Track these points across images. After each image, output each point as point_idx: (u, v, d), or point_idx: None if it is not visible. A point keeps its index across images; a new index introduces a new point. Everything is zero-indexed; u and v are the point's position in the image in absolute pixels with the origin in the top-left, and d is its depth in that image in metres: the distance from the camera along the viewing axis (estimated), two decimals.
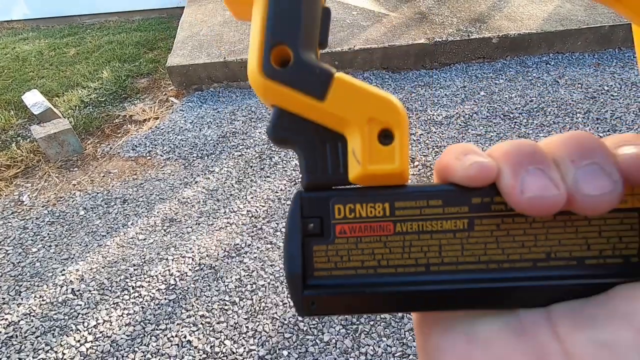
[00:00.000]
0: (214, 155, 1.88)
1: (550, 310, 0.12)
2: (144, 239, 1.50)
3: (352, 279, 0.13)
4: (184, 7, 3.02)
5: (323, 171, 0.14)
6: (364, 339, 1.14)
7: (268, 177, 1.73)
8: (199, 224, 1.54)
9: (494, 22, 2.41)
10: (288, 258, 0.14)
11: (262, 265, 1.36)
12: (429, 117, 1.98)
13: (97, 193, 1.73)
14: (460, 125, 1.92)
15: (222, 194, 1.66)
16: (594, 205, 0.11)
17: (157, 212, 1.60)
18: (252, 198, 1.63)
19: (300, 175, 0.14)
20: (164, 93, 2.40)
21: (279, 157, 1.83)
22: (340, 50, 2.27)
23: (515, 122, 1.89)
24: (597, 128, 1.83)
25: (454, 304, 0.13)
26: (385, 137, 0.13)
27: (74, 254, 1.46)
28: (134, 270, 1.38)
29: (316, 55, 0.14)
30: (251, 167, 1.79)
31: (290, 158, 1.81)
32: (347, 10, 2.68)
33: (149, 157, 1.91)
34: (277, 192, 1.65)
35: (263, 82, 0.13)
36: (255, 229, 1.50)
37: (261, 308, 1.23)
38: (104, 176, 1.83)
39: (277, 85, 0.13)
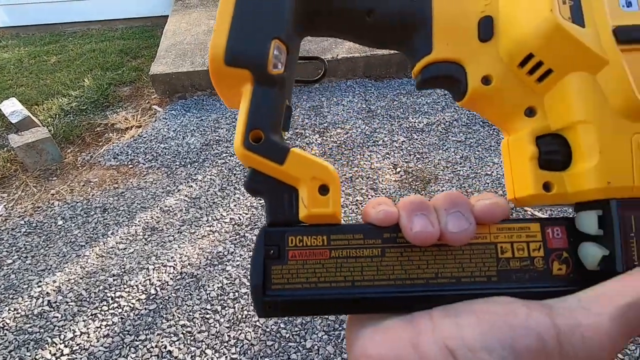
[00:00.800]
0: (197, 164, 1.87)
1: (433, 309, 0.18)
2: (125, 249, 1.47)
3: (299, 290, 0.19)
4: (167, 15, 3.02)
5: (282, 213, 0.20)
6: (345, 345, 1.14)
7: None
8: (181, 232, 1.53)
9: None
10: (253, 274, 0.19)
11: (245, 272, 1.35)
12: (410, 125, 2.02)
13: (77, 202, 1.70)
14: (441, 132, 1.96)
15: (205, 202, 1.65)
16: (456, 238, 0.17)
17: (139, 221, 1.58)
18: (235, 206, 1.63)
19: (265, 215, 0.20)
20: (147, 101, 2.39)
21: None
22: (323, 58, 2.30)
23: (494, 129, 1.95)
24: None
25: (370, 308, 0.19)
26: (323, 190, 0.19)
27: (51, 265, 1.43)
28: (114, 280, 1.36)
29: (280, 136, 0.20)
30: (234, 175, 1.79)
31: None
32: None
33: (130, 166, 1.89)
34: (260, 200, 1.65)
35: (243, 152, 0.19)
36: (238, 236, 1.49)
37: (243, 316, 1.23)
38: (84, 185, 1.80)
39: (252, 154, 0.19)
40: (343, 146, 1.91)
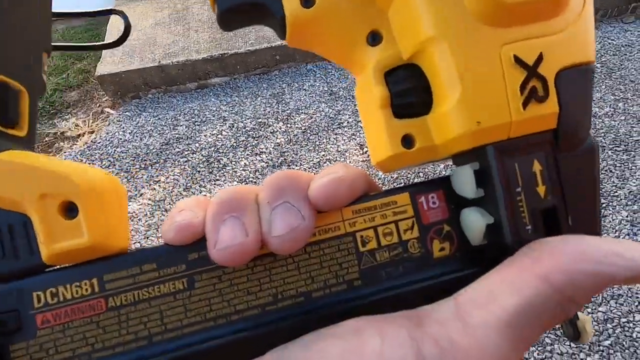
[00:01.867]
0: (158, 165, 1.78)
1: (266, 355, 0.13)
2: None
3: None
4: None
5: (14, 257, 0.13)
6: None
7: (217, 180, 1.67)
8: (147, 237, 1.46)
9: None
10: None
11: None
12: None
13: None
14: None
15: (169, 204, 1.59)
16: (282, 244, 0.12)
17: None
18: None
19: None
20: (97, 105, 2.25)
21: (228, 159, 1.78)
22: (280, 44, 2.24)
23: None
24: None
25: None
26: (70, 210, 0.13)
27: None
28: None
29: None
30: (199, 172, 1.73)
31: (239, 158, 1.77)
32: None
33: None
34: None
35: None
36: None
37: None
38: None
39: None
40: (308, 131, 1.87)
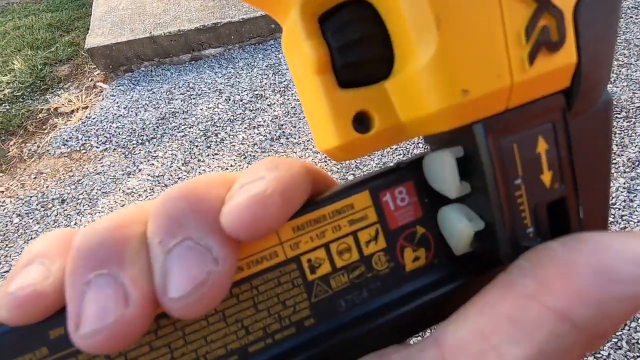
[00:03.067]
0: (155, 140, 1.77)
1: None
2: None
3: None
4: None
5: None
6: None
7: (216, 154, 1.66)
8: None
9: None
10: None
11: None
12: None
13: (31, 197, 1.59)
14: None
15: (169, 179, 1.59)
16: (186, 309, 0.08)
17: (102, 208, 1.51)
18: None
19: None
20: (89, 79, 2.20)
21: (225, 132, 1.76)
22: None
23: None
24: None
25: None
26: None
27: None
28: None
29: None
30: (197, 146, 1.71)
31: (236, 132, 1.75)
32: None
33: (83, 151, 1.77)
34: (227, 168, 1.60)
35: None
36: None
37: None
38: (35, 178, 1.68)
39: None
40: None
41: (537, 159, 0.09)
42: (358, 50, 0.09)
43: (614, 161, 1.45)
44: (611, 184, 1.39)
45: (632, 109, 1.63)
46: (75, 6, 2.93)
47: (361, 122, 0.09)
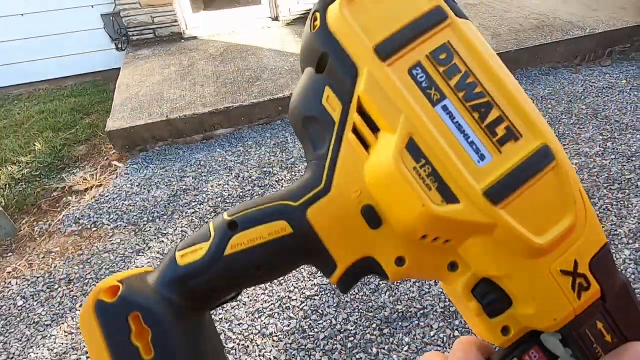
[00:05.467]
0: (165, 217, 1.81)
1: None
2: None
3: None
4: (119, 68, 2.99)
5: None
6: None
7: None
8: None
9: None
10: None
11: (230, 325, 1.30)
12: None
13: (37, 277, 1.58)
14: None
15: None
16: None
17: None
18: None
19: None
20: (105, 158, 2.31)
21: None
22: (282, 96, 2.35)
23: None
24: None
25: None
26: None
27: (14, 353, 1.30)
28: (87, 358, 1.26)
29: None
30: (206, 223, 1.75)
31: None
32: (284, 57, 2.81)
33: (94, 229, 1.80)
34: None
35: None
36: None
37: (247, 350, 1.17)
38: (44, 257, 1.68)
39: None
40: None
41: (600, 332, 0.18)
42: (495, 304, 0.18)
43: (616, 232, 1.48)
44: (617, 257, 1.40)
45: (624, 180, 1.71)
46: (97, 92, 3.19)
47: (505, 331, 0.18)
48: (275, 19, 3.38)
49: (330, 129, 0.19)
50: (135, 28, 3.20)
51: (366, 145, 0.18)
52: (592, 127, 2.09)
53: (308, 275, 1.44)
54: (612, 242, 1.45)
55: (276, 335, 1.26)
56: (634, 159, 1.84)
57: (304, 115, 0.20)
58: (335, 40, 0.18)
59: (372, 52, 0.17)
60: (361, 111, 0.18)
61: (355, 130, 0.18)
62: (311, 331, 1.26)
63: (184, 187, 1.98)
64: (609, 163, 1.82)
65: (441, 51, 0.17)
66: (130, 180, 2.08)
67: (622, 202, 1.61)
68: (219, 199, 1.87)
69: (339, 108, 0.19)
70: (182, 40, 3.28)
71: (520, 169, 0.17)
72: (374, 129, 0.18)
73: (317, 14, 0.19)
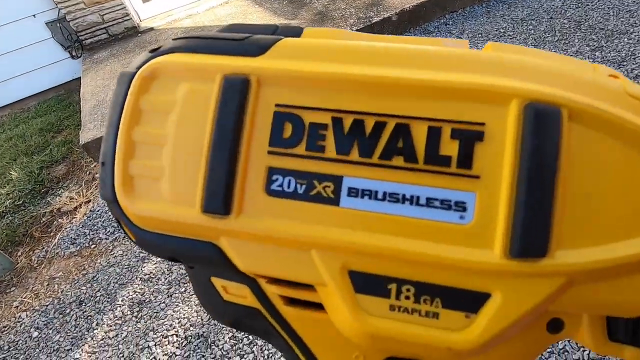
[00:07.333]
0: None
1: None
2: (116, 335, 1.35)
3: None
4: (79, 77, 2.82)
5: None
6: None
7: None
8: (171, 295, 1.42)
9: (389, 2, 2.52)
10: None
11: None
12: None
13: (47, 305, 1.53)
14: None
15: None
16: None
17: (122, 301, 1.45)
18: None
19: None
20: (87, 172, 2.21)
21: None
22: None
23: None
24: None
25: None
26: None
27: None
28: None
29: None
30: None
31: None
32: None
33: (93, 246, 1.74)
34: None
35: None
36: None
37: (265, 356, 1.15)
38: (48, 284, 1.63)
39: None
40: None
41: None
42: None
43: None
44: None
45: None
46: (62, 106, 3.03)
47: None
48: None
49: (261, 318, 0.15)
50: (86, 31, 2.99)
51: (314, 304, 0.14)
52: (577, 40, 2.02)
53: None
54: None
55: None
56: (625, 63, 1.78)
57: (227, 322, 0.16)
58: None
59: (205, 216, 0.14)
60: (273, 279, 0.14)
61: (289, 302, 0.14)
62: None
63: None
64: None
65: (278, 129, 0.13)
66: None
67: None
68: None
69: (246, 291, 0.14)
70: (140, 35, 3.09)
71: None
72: (301, 284, 0.13)
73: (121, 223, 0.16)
